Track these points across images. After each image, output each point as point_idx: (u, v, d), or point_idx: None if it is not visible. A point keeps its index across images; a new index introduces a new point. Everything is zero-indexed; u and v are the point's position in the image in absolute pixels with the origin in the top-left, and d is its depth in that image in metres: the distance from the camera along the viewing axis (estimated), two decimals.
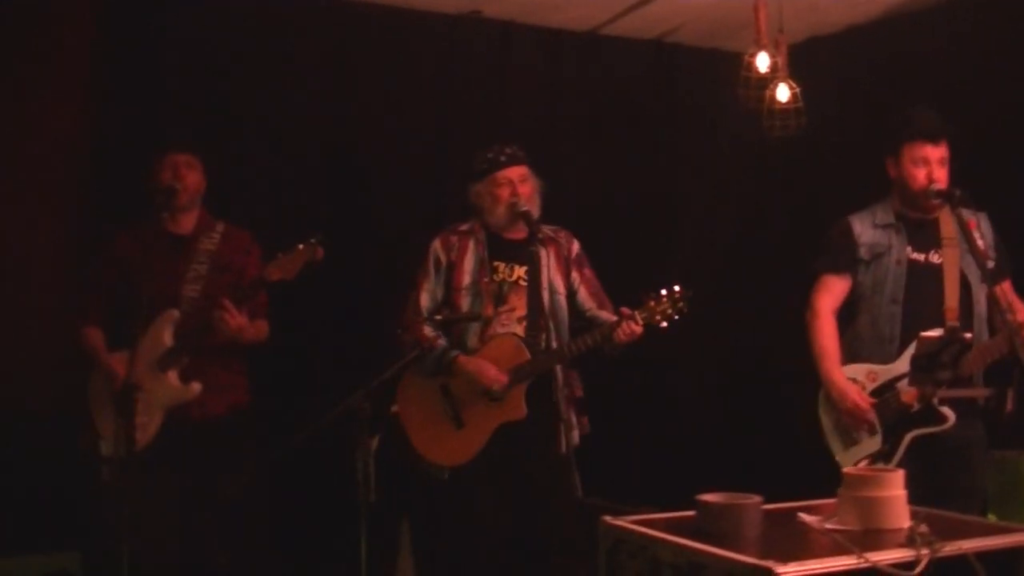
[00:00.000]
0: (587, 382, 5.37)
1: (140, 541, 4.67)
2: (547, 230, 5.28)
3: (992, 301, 4.65)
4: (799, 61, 6.14)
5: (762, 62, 5.55)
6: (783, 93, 5.65)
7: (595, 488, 4.90)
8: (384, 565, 5.88)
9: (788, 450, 6.38)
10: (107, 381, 5.04)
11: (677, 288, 4.95)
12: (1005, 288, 4.97)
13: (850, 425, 4.99)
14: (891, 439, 4.87)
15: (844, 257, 5.15)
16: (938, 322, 4.81)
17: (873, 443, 4.92)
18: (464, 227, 5.31)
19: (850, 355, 5.10)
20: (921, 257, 5.02)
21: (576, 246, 5.38)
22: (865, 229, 5.12)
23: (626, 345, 5.02)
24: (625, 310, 4.99)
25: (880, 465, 4.70)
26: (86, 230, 5.69)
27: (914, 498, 3.57)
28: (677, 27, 6.91)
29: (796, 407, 5.55)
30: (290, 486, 5.70)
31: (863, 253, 5.10)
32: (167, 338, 5.04)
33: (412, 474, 5.49)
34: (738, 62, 5.69)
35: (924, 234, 5.04)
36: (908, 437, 4.83)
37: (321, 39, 6.31)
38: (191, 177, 5.18)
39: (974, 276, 4.92)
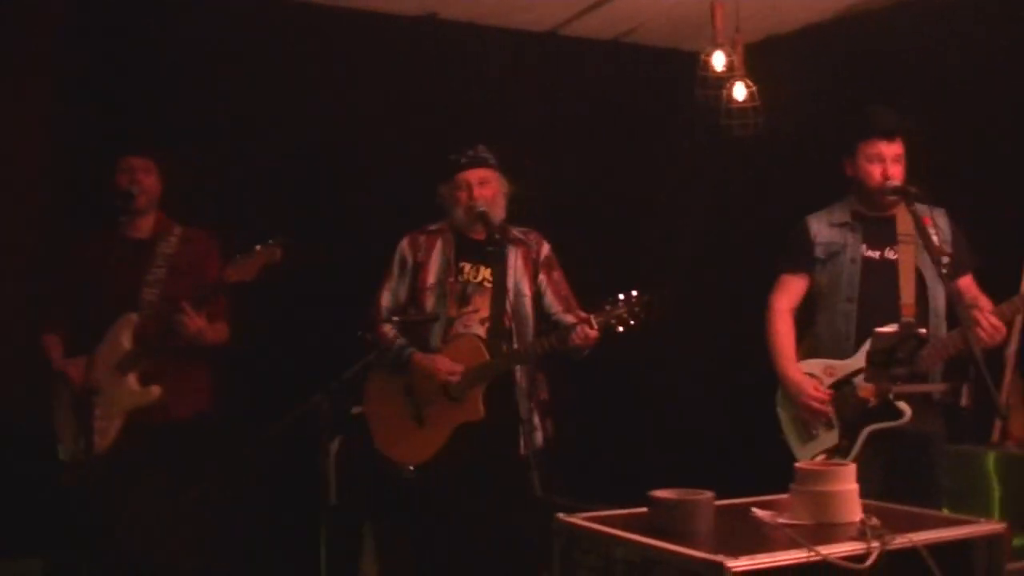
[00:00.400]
0: (555, 384, 5.38)
1: (101, 545, 4.67)
2: (516, 232, 5.30)
3: (954, 296, 4.66)
4: (757, 60, 6.17)
5: (718, 61, 5.57)
6: (740, 92, 5.67)
7: (562, 488, 4.93)
8: (347, 567, 5.87)
9: (753, 449, 6.42)
10: (65, 387, 5.03)
11: (635, 293, 4.91)
12: (967, 283, 5.00)
13: (807, 420, 5.01)
14: (849, 434, 4.90)
15: (801, 257, 5.17)
16: (894, 319, 4.82)
17: (831, 438, 4.94)
18: (433, 227, 5.32)
19: (809, 353, 5.13)
20: (876, 254, 5.04)
21: (546, 248, 5.39)
22: (822, 228, 5.15)
23: (585, 349, 5.03)
24: (582, 314, 5.00)
25: (837, 459, 4.73)
26: (51, 234, 5.66)
27: (874, 495, 3.60)
28: (635, 27, 6.93)
29: (757, 405, 5.59)
30: (252, 488, 5.69)
31: (819, 252, 5.12)
32: (126, 341, 5.03)
33: (375, 476, 5.49)
34: (695, 62, 5.71)
35: (880, 231, 5.06)
36: (865, 432, 4.85)
37: (285, 41, 6.29)
38: (147, 181, 5.16)
39: (930, 272, 4.93)
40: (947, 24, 6.08)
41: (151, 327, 5.03)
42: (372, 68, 6.49)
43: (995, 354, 5.28)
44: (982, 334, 4.57)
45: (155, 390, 5.02)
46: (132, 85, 5.88)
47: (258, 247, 4.92)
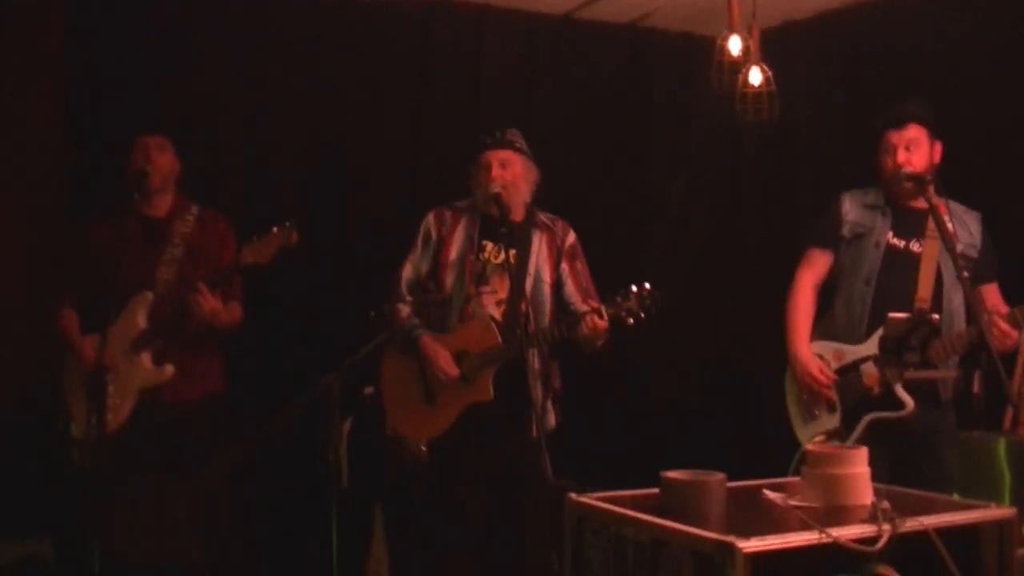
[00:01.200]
0: (567, 374, 5.40)
1: (111, 526, 4.68)
2: (544, 217, 5.33)
3: (970, 298, 4.65)
4: (773, 46, 6.14)
5: (734, 46, 5.54)
6: (756, 77, 5.64)
7: (573, 473, 4.93)
8: (358, 550, 5.88)
9: (767, 434, 6.42)
10: (79, 364, 5.04)
11: (647, 286, 4.90)
12: (991, 291, 5.04)
13: (809, 400, 5.03)
14: (850, 419, 4.90)
15: (829, 233, 5.20)
16: (907, 309, 4.82)
17: (831, 420, 4.96)
18: (462, 204, 5.34)
19: (825, 333, 5.15)
20: (901, 244, 5.04)
21: (572, 238, 5.39)
22: (854, 207, 5.16)
23: (597, 341, 5.03)
24: (592, 304, 5.01)
25: (836, 443, 4.74)
26: (62, 218, 5.67)
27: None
28: (651, 11, 6.90)
29: (768, 391, 5.59)
30: (262, 471, 5.69)
31: (846, 231, 5.14)
32: (141, 320, 5.04)
33: (386, 458, 5.50)
34: (712, 47, 5.69)
35: (910, 222, 5.05)
36: (865, 419, 4.85)
37: (298, 25, 6.30)
38: (162, 159, 5.18)
39: (949, 272, 4.93)
40: (964, 12, 6.05)
41: (166, 307, 5.05)
42: (386, 51, 6.48)
43: None
44: (994, 340, 4.56)
45: (169, 369, 5.04)
46: (144, 70, 5.88)
47: (275, 229, 4.93)
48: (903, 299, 4.92)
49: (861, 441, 4.71)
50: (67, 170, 5.74)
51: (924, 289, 4.94)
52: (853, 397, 4.92)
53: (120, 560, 4.84)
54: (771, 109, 5.70)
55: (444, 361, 5.07)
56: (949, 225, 4.80)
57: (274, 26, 6.23)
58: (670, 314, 5.61)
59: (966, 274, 4.70)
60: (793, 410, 5.14)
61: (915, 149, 4.98)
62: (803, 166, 6.94)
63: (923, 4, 6.24)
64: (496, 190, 5.06)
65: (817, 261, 5.22)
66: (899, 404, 4.76)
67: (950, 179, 5.01)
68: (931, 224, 4.97)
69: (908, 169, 4.89)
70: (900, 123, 4.98)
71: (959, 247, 4.85)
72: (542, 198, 5.40)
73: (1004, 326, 4.64)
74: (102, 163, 5.52)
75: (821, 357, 5.03)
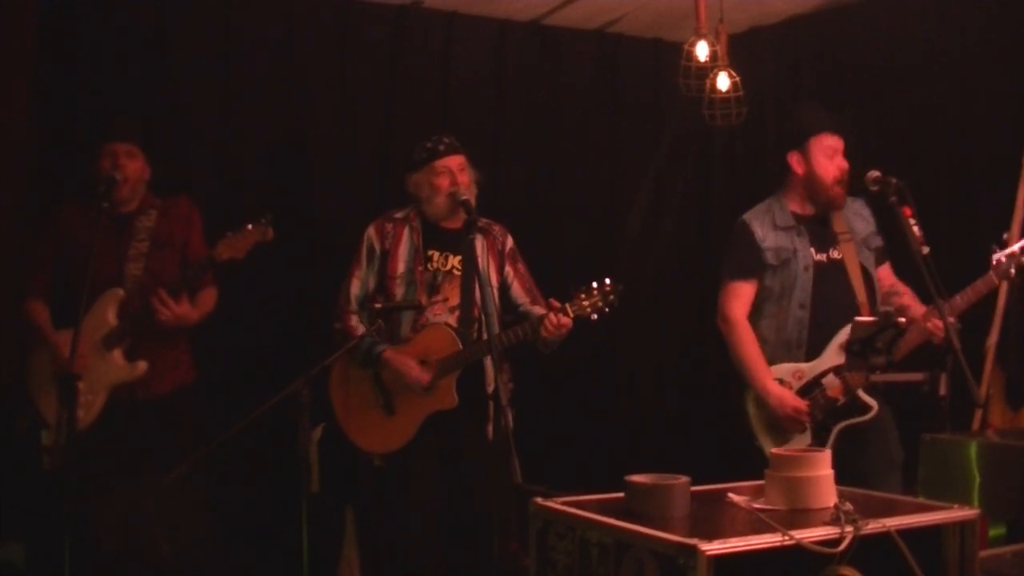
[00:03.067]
0: (530, 373, 5.44)
1: (83, 528, 4.67)
2: (481, 222, 5.29)
3: (936, 296, 4.63)
4: (741, 51, 6.18)
5: (701, 51, 5.56)
6: (723, 82, 5.67)
7: (546, 479, 4.95)
8: (329, 554, 5.88)
9: (737, 438, 6.46)
10: (51, 360, 5.03)
11: (608, 281, 4.94)
12: (886, 271, 5.19)
13: (788, 427, 5.05)
14: (820, 433, 4.96)
15: (749, 263, 5.18)
16: (848, 321, 4.75)
17: (803, 439, 5.01)
18: (399, 214, 5.33)
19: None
20: (824, 257, 5.10)
21: (510, 241, 5.42)
22: (767, 232, 5.15)
23: (557, 340, 5.06)
24: (554, 302, 5.01)
25: None
26: (31, 212, 5.63)
27: (849, 483, 3.63)
28: (620, 17, 6.92)
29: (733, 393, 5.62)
30: (233, 474, 5.69)
31: (769, 258, 5.13)
32: (111, 317, 5.05)
33: (357, 462, 5.51)
34: (680, 52, 5.72)
35: (822, 232, 5.12)
36: (836, 430, 4.92)
37: (268, 25, 6.30)
38: (131, 166, 5.16)
39: (872, 267, 5.03)
40: (930, 16, 6.10)
41: (135, 303, 5.05)
42: (356, 55, 6.49)
43: (976, 345, 5.32)
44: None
45: (141, 366, 5.05)
46: (114, 69, 5.87)
47: (249, 225, 4.94)
48: (844, 310, 4.97)
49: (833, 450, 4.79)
50: (36, 163, 5.72)
51: (860, 293, 5.03)
52: (820, 411, 4.97)
53: (91, 563, 4.82)
54: (738, 113, 5.73)
55: (415, 370, 5.07)
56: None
57: (245, 27, 6.22)
58: (639, 317, 5.65)
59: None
60: (762, 434, 5.12)
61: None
62: (772, 169, 6.95)
63: (891, 9, 6.29)
64: (465, 196, 5.07)
65: (742, 292, 5.21)
66: (863, 408, 4.82)
67: (919, 179, 5.04)
68: (837, 228, 5.08)
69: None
70: (841, 128, 5.05)
71: (868, 240, 5.08)
72: (513, 203, 5.41)
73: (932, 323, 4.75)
74: (72, 158, 5.51)
75: (782, 381, 5.06)
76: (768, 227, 5.15)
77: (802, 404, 4.99)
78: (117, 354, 5.04)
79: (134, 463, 5.03)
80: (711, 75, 5.69)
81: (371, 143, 6.55)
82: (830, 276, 5.05)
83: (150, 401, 5.10)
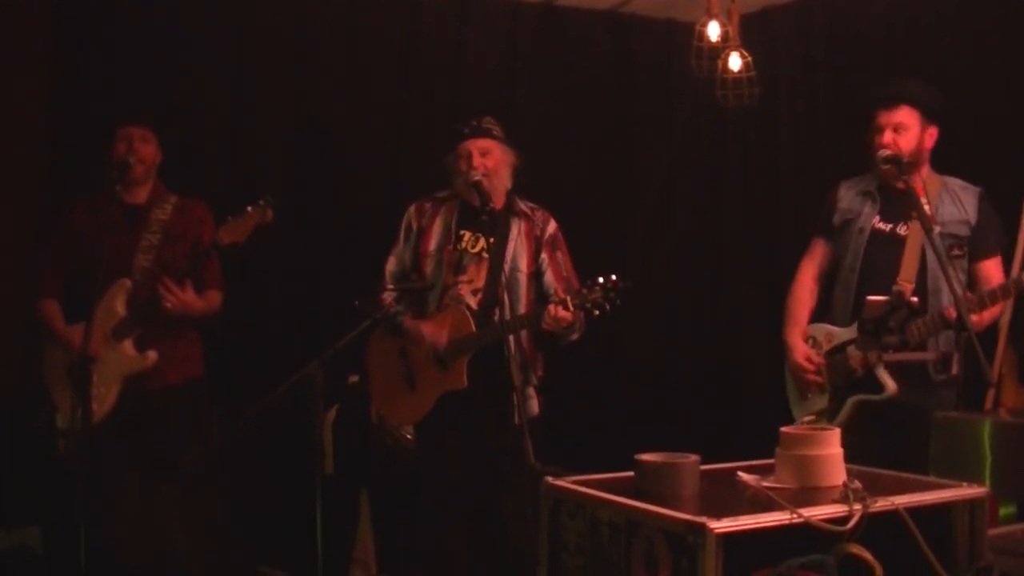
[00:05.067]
0: (554, 360, 5.45)
1: (99, 515, 4.69)
2: (523, 206, 5.34)
3: (949, 279, 4.54)
4: (754, 31, 6.17)
5: (713, 31, 5.57)
6: (735, 63, 5.67)
7: (555, 458, 4.96)
8: (344, 536, 5.90)
9: (749, 418, 6.47)
10: (64, 353, 5.05)
11: (613, 277, 4.78)
12: (990, 266, 5.01)
13: (798, 383, 5.12)
14: (837, 400, 4.95)
15: (824, 222, 5.27)
16: (889, 292, 4.81)
17: (821, 401, 5.03)
18: (442, 194, 5.37)
19: (823, 316, 5.23)
20: (887, 227, 5.05)
21: (552, 227, 5.39)
22: (847, 195, 5.21)
23: (569, 332, 5.07)
24: (558, 295, 5.00)
25: (823, 423, 4.78)
26: (45, 207, 5.68)
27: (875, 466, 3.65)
28: None
29: (751, 376, 5.62)
30: (247, 458, 5.72)
31: (836, 219, 5.19)
32: (120, 308, 5.06)
33: (371, 444, 5.53)
34: (692, 33, 5.71)
35: (899, 206, 5.04)
36: (850, 402, 4.90)
37: (281, 14, 6.32)
38: (145, 150, 5.18)
39: (945, 254, 4.90)
40: None
41: (143, 294, 5.06)
42: (366, 40, 6.50)
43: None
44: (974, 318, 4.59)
45: (152, 355, 5.05)
46: (127, 55, 5.90)
47: (249, 208, 4.96)
48: (886, 283, 4.93)
49: (854, 421, 4.81)
50: (49, 158, 5.75)
51: (907, 271, 4.95)
52: (841, 378, 4.96)
53: (107, 549, 4.85)
54: (751, 94, 5.72)
55: (429, 330, 5.10)
56: (927, 206, 4.81)
57: (258, 14, 6.24)
58: (652, 300, 5.64)
59: (956, 252, 4.75)
60: (791, 388, 5.23)
61: (903, 132, 4.98)
62: (785, 150, 6.95)
63: None
64: (477, 178, 5.08)
65: (816, 250, 5.31)
66: (880, 387, 4.81)
67: (942, 157, 5.03)
68: (922, 205, 4.99)
69: (884, 153, 4.90)
70: (889, 104, 4.99)
71: (946, 226, 4.90)
72: (525, 185, 5.41)
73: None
74: (84, 151, 5.51)
75: (815, 339, 5.12)
76: (852, 190, 5.20)
77: (807, 361, 5.06)
78: (127, 344, 5.06)
79: (146, 453, 5.05)
80: (723, 55, 5.69)
81: (384, 130, 6.57)
82: (885, 247, 5.01)
83: (159, 391, 5.11)
